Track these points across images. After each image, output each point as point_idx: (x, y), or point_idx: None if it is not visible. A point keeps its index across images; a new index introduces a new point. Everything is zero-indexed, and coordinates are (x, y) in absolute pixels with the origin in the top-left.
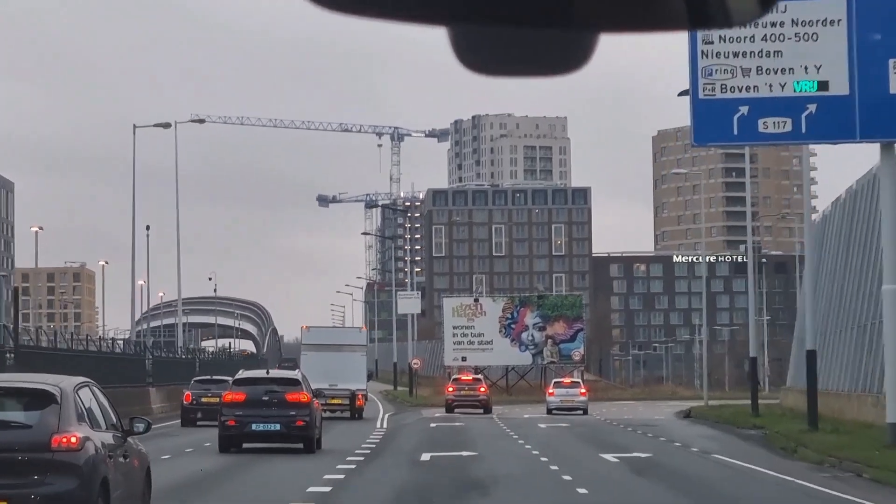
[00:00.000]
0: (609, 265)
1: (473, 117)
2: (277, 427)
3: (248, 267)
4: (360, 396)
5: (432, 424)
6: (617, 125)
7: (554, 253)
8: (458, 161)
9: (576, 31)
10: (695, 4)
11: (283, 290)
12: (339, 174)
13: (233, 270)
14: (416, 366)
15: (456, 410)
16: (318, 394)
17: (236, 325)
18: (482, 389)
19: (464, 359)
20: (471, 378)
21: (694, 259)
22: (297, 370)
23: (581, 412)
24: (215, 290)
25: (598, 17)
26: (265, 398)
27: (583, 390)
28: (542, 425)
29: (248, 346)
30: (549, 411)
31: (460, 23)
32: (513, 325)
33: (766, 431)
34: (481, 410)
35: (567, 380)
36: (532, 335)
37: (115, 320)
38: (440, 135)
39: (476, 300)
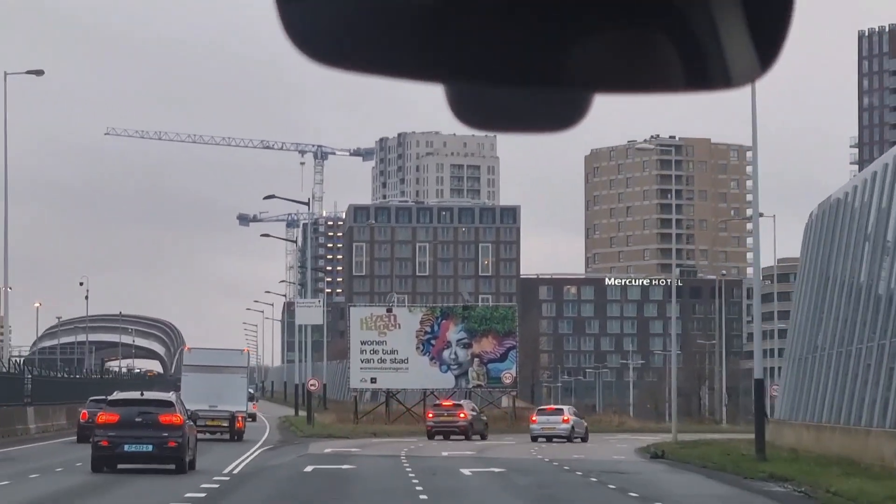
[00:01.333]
0: (538, 287)
1: (399, 135)
2: (150, 448)
3: (166, 286)
4: (239, 418)
5: (307, 468)
6: (548, 144)
7: (480, 273)
8: (383, 179)
9: (572, 90)
10: (693, 65)
11: (202, 310)
12: (261, 193)
13: (151, 289)
14: (312, 388)
15: (436, 438)
16: (196, 416)
17: (142, 344)
18: (462, 415)
19: (373, 380)
20: (451, 403)
21: (627, 282)
22: (171, 392)
23: (565, 440)
24: (88, 298)
25: (594, 77)
26: (138, 419)
27: (566, 416)
28: (466, 471)
29: (154, 365)
30: (534, 438)
31: (456, 81)
32: (432, 341)
33: (800, 487)
34: (462, 437)
35: (551, 406)
36: (455, 353)
37: (25, 339)
38: (365, 153)
39: (389, 310)
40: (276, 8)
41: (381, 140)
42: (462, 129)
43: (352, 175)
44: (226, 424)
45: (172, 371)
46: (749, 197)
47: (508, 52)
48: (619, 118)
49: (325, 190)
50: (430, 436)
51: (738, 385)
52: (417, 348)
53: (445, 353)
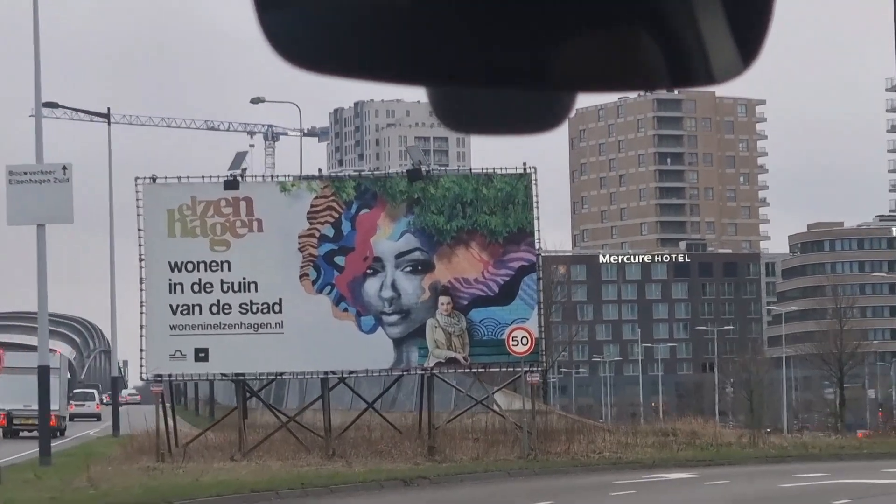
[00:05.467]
0: None
1: (356, 104)
2: None
3: (91, 283)
4: (53, 417)
5: None
6: None
7: None
8: (339, 156)
9: (554, 91)
10: (675, 61)
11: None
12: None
13: (82, 289)
14: None
15: None
16: (11, 415)
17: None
18: None
19: (201, 354)
20: None
21: (625, 259)
22: None
23: None
24: None
25: (577, 77)
26: None
27: None
28: None
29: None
30: None
31: (439, 83)
32: (339, 260)
33: None
34: None
35: None
36: (394, 285)
37: None
38: (320, 133)
39: (234, 183)
40: (256, 15)
41: (336, 111)
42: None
43: (306, 156)
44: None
45: (83, 375)
46: (761, 160)
47: (490, 54)
48: None
49: (278, 173)
50: None
51: (761, 378)
52: (304, 278)
53: (370, 288)
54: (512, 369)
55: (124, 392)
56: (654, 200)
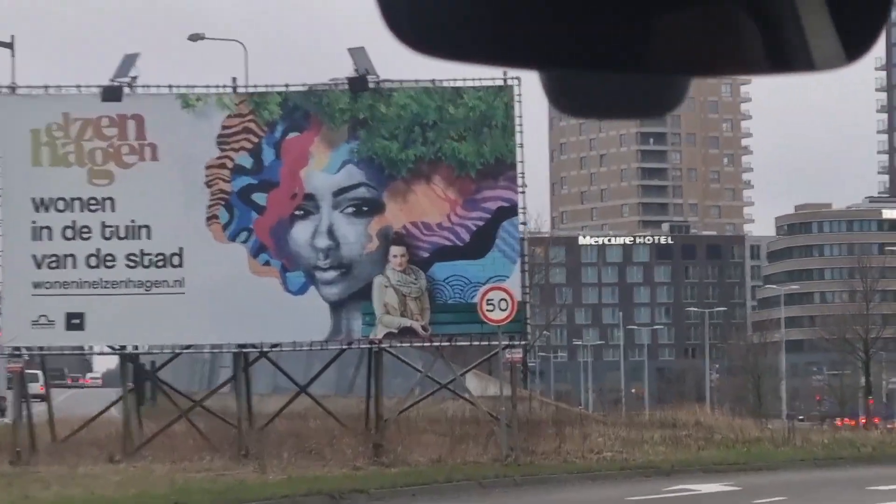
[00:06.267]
0: None
1: None
2: None
3: None
4: None
5: None
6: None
7: None
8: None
9: (661, 74)
10: (777, 48)
11: None
12: None
13: None
14: None
15: None
16: None
17: None
18: None
19: (74, 321)
20: None
21: (605, 241)
22: None
23: None
24: None
25: (681, 60)
26: None
27: None
28: None
29: None
30: None
31: (552, 68)
32: (257, 198)
33: None
34: None
35: None
36: (331, 230)
37: None
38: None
39: (114, 92)
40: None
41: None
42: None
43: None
44: None
45: None
46: (745, 142)
47: (601, 38)
48: None
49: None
50: None
51: (755, 365)
52: (213, 221)
53: (299, 234)
54: (487, 343)
55: (88, 375)
56: (636, 181)
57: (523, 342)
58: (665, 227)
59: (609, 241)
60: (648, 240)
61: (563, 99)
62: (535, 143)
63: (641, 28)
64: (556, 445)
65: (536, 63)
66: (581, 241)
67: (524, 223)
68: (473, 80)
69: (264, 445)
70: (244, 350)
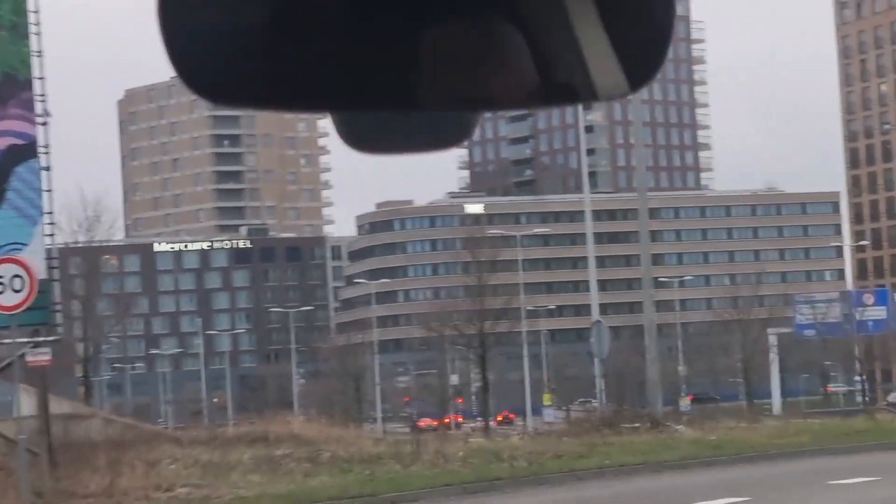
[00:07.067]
0: (64, 259)
1: None
2: None
3: None
4: None
5: None
6: (76, 86)
7: None
8: None
9: (454, 111)
10: (557, 81)
11: None
12: None
13: None
14: None
15: None
16: None
17: None
18: None
19: None
20: None
21: (182, 247)
22: None
23: None
24: None
25: (459, 98)
26: None
27: None
28: None
29: None
30: None
31: (341, 110)
32: None
33: None
34: None
35: None
36: None
37: None
38: None
39: None
40: (164, 45)
41: None
42: None
43: None
44: None
45: None
46: (322, 142)
47: (377, 80)
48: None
49: None
50: None
51: (343, 369)
52: None
53: None
54: None
55: None
56: (212, 185)
57: (53, 337)
58: (243, 230)
59: (185, 246)
60: (226, 244)
61: (352, 137)
62: (107, 149)
63: (416, 67)
64: (108, 483)
65: (323, 106)
66: (156, 247)
67: (47, 167)
68: None
69: None
70: None
